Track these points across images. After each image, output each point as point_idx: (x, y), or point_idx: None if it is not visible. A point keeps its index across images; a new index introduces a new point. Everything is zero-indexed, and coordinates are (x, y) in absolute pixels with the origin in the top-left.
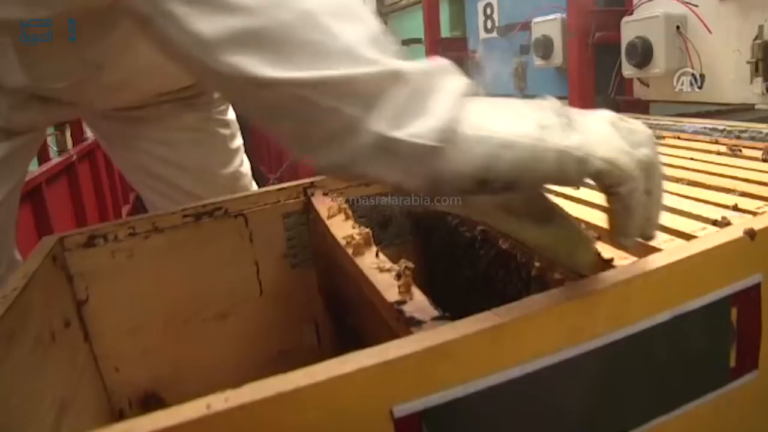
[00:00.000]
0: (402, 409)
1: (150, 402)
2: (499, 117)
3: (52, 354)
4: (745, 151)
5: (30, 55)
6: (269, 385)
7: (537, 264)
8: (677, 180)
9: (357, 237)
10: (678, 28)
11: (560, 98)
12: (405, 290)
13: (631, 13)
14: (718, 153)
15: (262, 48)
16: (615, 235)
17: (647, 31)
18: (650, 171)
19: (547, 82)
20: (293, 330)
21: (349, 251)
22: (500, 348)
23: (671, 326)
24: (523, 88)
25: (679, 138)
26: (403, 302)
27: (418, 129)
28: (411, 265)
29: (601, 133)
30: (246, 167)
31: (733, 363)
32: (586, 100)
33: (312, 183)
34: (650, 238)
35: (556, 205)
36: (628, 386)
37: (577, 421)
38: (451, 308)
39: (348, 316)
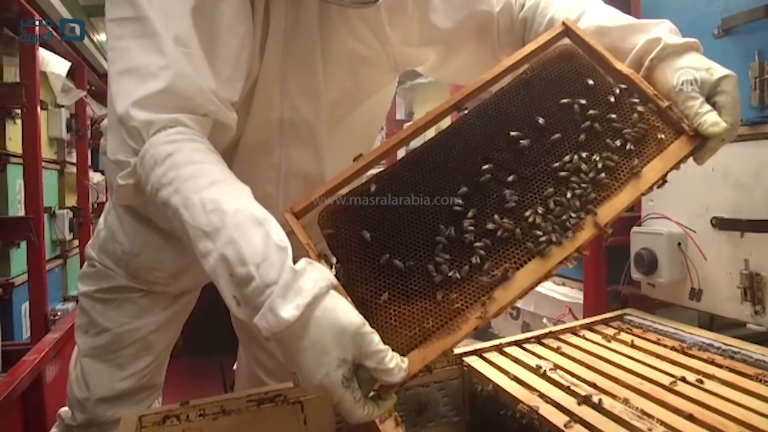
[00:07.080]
0: None
1: None
2: None
3: None
4: (741, 381)
5: None
6: None
7: None
8: (680, 413)
9: None
10: (679, 245)
11: (576, 281)
12: None
13: (640, 224)
14: (720, 380)
15: None
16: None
17: (653, 244)
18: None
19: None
20: None
21: None
22: None
23: None
24: None
25: (675, 349)
26: None
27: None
28: None
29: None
30: None
31: None
32: (599, 289)
33: None
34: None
35: None
36: None
37: None
38: None
39: None
